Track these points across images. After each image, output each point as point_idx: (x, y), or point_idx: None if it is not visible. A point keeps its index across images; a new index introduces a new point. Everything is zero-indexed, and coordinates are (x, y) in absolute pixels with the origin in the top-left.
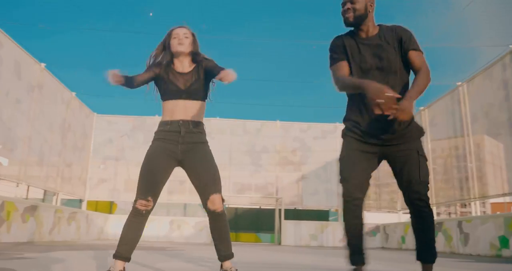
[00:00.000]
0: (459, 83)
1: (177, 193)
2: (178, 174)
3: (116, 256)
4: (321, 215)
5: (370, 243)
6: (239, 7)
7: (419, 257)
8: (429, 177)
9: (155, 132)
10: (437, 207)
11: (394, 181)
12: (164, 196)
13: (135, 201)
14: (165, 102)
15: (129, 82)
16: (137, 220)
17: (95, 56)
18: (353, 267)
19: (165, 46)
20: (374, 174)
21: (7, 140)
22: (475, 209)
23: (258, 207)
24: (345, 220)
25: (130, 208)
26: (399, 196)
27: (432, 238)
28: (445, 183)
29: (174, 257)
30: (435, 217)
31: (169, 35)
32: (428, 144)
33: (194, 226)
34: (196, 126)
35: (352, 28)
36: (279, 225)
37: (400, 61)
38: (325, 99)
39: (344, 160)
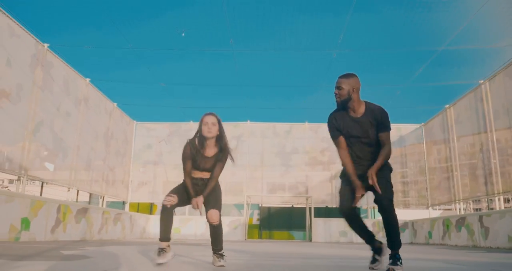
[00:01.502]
0: (481, 81)
1: None
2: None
3: (163, 238)
4: None
5: None
6: (266, 15)
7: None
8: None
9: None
10: (463, 203)
11: (422, 178)
12: None
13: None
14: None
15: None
16: (167, 213)
17: (134, 69)
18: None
19: (199, 129)
20: (402, 172)
21: (60, 149)
22: (499, 204)
23: (290, 205)
24: (350, 227)
25: None
26: (428, 192)
27: (397, 233)
28: (470, 179)
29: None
30: (462, 213)
31: (201, 122)
32: (454, 142)
33: (229, 225)
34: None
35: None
36: (310, 222)
37: (376, 136)
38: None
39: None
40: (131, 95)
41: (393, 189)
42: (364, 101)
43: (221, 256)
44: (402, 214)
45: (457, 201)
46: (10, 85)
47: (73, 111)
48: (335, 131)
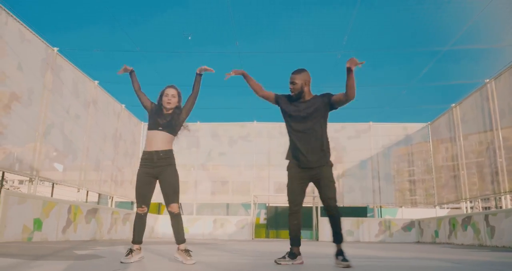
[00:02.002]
0: (487, 80)
1: (220, 193)
2: (220, 175)
3: (134, 241)
4: (359, 212)
5: (405, 238)
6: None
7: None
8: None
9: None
10: (471, 202)
11: (429, 176)
12: (207, 196)
13: (137, 208)
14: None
15: (135, 79)
16: (140, 220)
17: (140, 70)
18: (293, 247)
19: (159, 96)
20: (409, 170)
21: (70, 151)
22: (505, 203)
23: None
24: (292, 224)
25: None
26: (435, 191)
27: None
28: (477, 178)
29: (217, 250)
30: (469, 212)
31: (162, 92)
32: (461, 140)
33: (236, 224)
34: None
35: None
36: (316, 222)
37: (320, 120)
38: (358, 100)
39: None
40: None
41: (398, 187)
42: (314, 94)
43: (188, 252)
44: (409, 213)
45: (464, 200)
46: (21, 89)
47: (82, 114)
48: (276, 101)
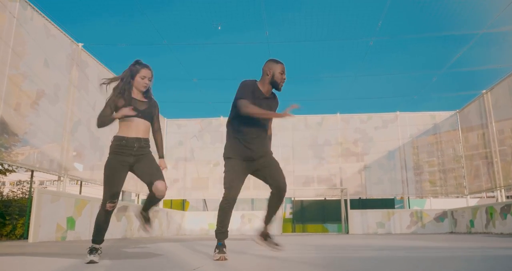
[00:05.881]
0: None
1: (245, 188)
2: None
3: (95, 241)
4: (387, 203)
5: (438, 228)
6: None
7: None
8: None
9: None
10: (507, 190)
11: (459, 165)
12: None
13: (104, 203)
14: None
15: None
16: (106, 216)
17: (162, 66)
18: (219, 240)
19: (131, 76)
20: (438, 159)
21: (96, 148)
22: None
23: (323, 198)
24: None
25: (201, 206)
26: (465, 180)
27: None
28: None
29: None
30: (506, 200)
31: (137, 71)
32: (493, 127)
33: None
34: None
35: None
36: (346, 214)
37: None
38: (385, 89)
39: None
40: (160, 91)
41: (427, 177)
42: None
43: (148, 220)
44: (438, 203)
45: (498, 188)
46: (48, 85)
47: None
48: (249, 94)
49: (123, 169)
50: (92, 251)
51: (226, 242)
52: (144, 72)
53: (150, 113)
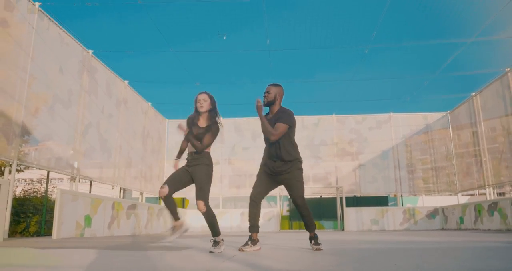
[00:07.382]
0: (508, 69)
1: (245, 187)
2: (244, 169)
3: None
4: (381, 201)
5: (429, 225)
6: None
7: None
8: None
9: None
10: (499, 188)
11: (451, 163)
12: (232, 190)
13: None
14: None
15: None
16: (166, 202)
17: (168, 70)
18: (251, 233)
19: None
20: (431, 156)
21: (105, 149)
22: None
23: (319, 196)
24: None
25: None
26: (456, 178)
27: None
28: (499, 165)
29: (279, 240)
30: (496, 197)
31: (195, 99)
32: (482, 127)
33: (263, 217)
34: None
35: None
36: (341, 212)
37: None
38: (379, 91)
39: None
40: (163, 93)
41: (419, 175)
42: (282, 106)
43: (216, 243)
44: (430, 201)
45: (487, 186)
46: (62, 91)
47: (114, 113)
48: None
49: (186, 173)
50: (174, 229)
51: (230, 238)
52: (198, 97)
53: (200, 139)
